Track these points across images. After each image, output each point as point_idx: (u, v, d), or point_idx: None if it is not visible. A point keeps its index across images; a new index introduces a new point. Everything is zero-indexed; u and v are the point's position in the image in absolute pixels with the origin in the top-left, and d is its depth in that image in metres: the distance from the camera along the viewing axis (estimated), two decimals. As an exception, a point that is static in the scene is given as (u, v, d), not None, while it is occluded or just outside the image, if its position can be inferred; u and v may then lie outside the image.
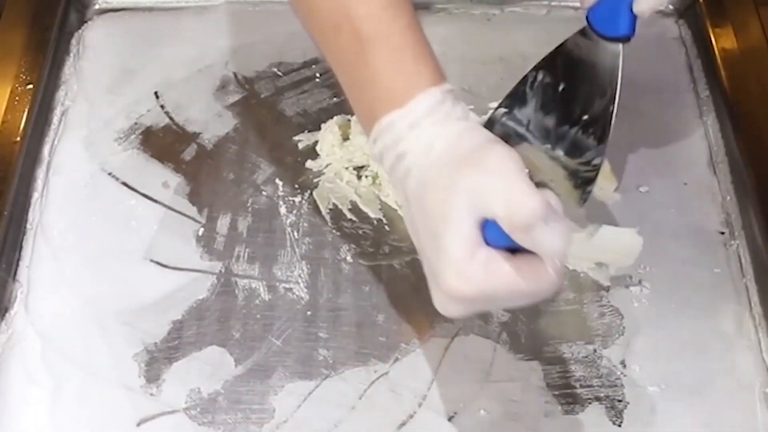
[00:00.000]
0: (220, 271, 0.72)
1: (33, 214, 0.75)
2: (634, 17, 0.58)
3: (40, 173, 0.77)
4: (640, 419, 0.65)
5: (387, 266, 0.72)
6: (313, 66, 0.85)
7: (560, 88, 0.63)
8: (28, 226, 0.74)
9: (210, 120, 0.81)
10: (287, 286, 0.71)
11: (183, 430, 0.64)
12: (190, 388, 0.66)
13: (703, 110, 0.83)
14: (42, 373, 0.66)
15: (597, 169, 0.61)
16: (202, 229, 0.74)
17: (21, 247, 0.73)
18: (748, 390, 0.66)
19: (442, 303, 0.51)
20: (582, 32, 0.61)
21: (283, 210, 0.75)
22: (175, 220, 0.75)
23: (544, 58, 0.64)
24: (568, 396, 0.66)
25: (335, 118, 0.79)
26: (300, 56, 0.86)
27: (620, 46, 0.60)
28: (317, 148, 0.78)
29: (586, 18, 0.61)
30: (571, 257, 0.67)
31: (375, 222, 0.74)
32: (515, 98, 0.64)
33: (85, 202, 0.75)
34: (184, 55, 0.86)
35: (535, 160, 0.64)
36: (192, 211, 0.75)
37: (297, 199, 0.76)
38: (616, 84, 0.61)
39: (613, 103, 0.61)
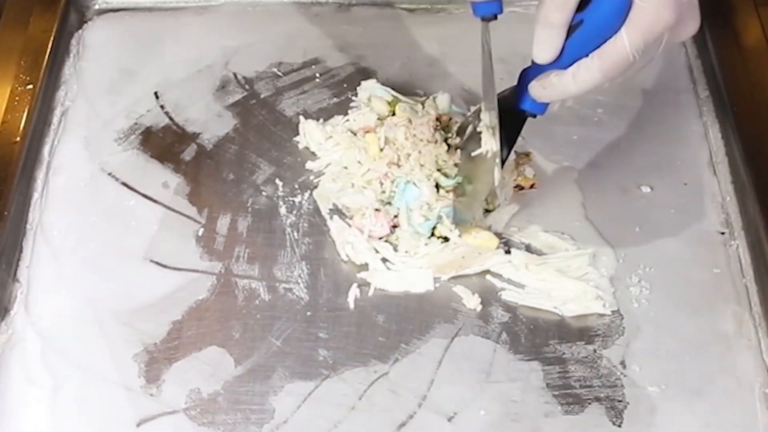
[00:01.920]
0: (220, 271, 0.72)
1: (33, 214, 0.75)
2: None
3: (40, 173, 0.77)
4: (640, 419, 0.65)
5: (387, 266, 0.72)
6: (313, 66, 0.86)
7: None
8: (28, 226, 0.74)
9: (210, 120, 0.81)
10: (287, 286, 0.71)
11: (183, 431, 0.64)
12: (190, 389, 0.65)
13: (702, 110, 0.83)
14: (42, 374, 0.66)
15: None
16: (202, 230, 0.74)
17: (21, 247, 0.73)
18: (748, 390, 0.66)
19: None
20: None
21: (283, 210, 0.75)
22: (175, 220, 0.75)
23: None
24: (568, 396, 0.66)
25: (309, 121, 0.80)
26: (300, 56, 0.86)
27: (524, 115, 0.64)
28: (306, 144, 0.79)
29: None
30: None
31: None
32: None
33: (85, 202, 0.75)
34: (184, 55, 0.86)
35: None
36: (192, 211, 0.75)
37: (297, 199, 0.76)
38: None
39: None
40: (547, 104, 0.63)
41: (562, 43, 0.58)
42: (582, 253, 0.72)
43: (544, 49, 0.58)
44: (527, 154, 0.78)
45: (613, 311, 0.69)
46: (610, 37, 0.56)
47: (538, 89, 0.61)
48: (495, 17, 0.63)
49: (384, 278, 0.71)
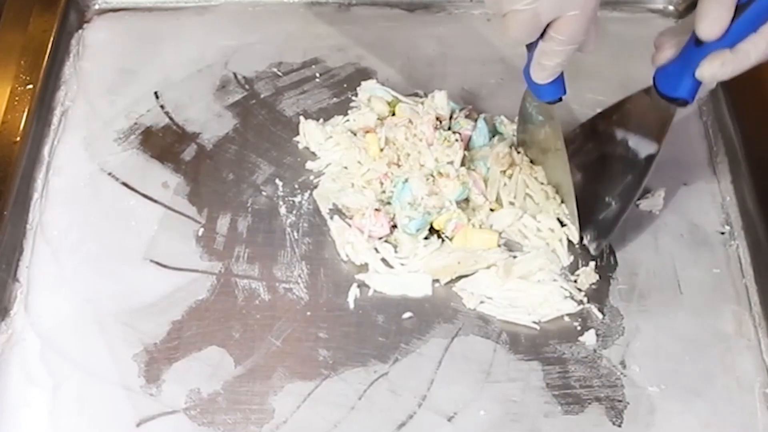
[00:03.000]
0: (220, 271, 0.72)
1: (33, 214, 0.75)
2: (695, 84, 0.62)
3: (40, 173, 0.77)
4: (640, 419, 0.65)
5: (387, 266, 0.72)
6: (313, 66, 0.86)
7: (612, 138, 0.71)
8: (28, 226, 0.74)
9: (210, 120, 0.81)
10: (287, 286, 0.71)
11: (183, 431, 0.64)
12: (190, 389, 0.65)
13: (703, 110, 0.83)
14: (42, 374, 0.66)
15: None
16: (202, 229, 0.74)
17: (21, 247, 0.73)
18: (748, 390, 0.66)
19: None
20: (646, 90, 0.67)
21: (283, 210, 0.75)
22: (175, 220, 0.75)
23: (606, 110, 0.73)
24: (568, 396, 0.66)
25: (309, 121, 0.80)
26: (300, 56, 0.86)
27: (674, 108, 0.65)
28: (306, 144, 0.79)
29: (653, 77, 0.65)
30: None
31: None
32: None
33: (85, 202, 0.75)
34: (184, 55, 0.86)
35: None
36: (192, 211, 0.75)
37: (297, 199, 0.76)
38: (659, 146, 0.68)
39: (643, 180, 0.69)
40: (697, 90, 0.63)
41: (730, 19, 0.58)
42: (538, 255, 0.71)
43: (712, 25, 0.58)
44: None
45: (613, 311, 0.69)
46: None
47: (715, 67, 0.59)
48: (560, 99, 0.67)
49: (383, 281, 0.71)
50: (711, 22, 0.58)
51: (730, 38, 0.58)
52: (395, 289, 0.70)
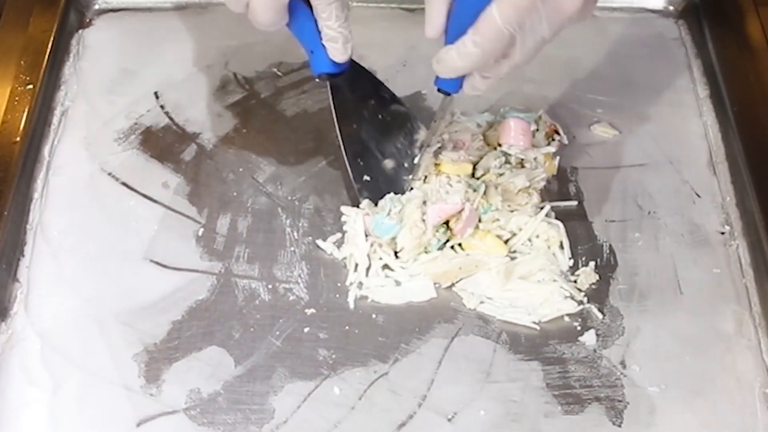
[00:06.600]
0: (220, 271, 0.72)
1: (33, 214, 0.75)
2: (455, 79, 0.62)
3: (40, 173, 0.77)
4: (640, 419, 0.65)
5: (387, 266, 0.72)
6: (313, 66, 0.85)
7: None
8: (28, 226, 0.74)
9: (210, 120, 0.81)
10: (287, 286, 0.71)
11: (183, 431, 0.64)
12: (190, 389, 0.65)
13: (702, 110, 0.83)
14: (42, 374, 0.66)
15: None
16: (202, 229, 0.74)
17: (21, 247, 0.73)
18: (748, 390, 0.66)
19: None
20: None
21: (282, 210, 0.75)
22: (175, 220, 0.75)
23: None
24: (568, 396, 0.66)
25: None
26: (300, 56, 0.86)
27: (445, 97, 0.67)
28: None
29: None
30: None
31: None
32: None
33: (85, 202, 0.75)
34: (184, 55, 0.86)
35: None
36: (192, 211, 0.75)
37: (297, 199, 0.76)
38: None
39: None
40: (458, 84, 0.63)
41: (443, 19, 0.58)
42: (538, 255, 0.71)
43: (428, 25, 0.59)
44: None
45: (613, 311, 0.69)
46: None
47: (434, 63, 0.61)
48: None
49: (386, 293, 0.70)
50: (427, 21, 0.59)
51: (449, 36, 0.58)
52: (399, 299, 0.70)
